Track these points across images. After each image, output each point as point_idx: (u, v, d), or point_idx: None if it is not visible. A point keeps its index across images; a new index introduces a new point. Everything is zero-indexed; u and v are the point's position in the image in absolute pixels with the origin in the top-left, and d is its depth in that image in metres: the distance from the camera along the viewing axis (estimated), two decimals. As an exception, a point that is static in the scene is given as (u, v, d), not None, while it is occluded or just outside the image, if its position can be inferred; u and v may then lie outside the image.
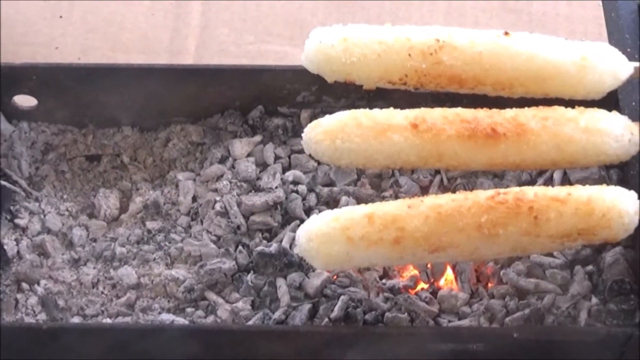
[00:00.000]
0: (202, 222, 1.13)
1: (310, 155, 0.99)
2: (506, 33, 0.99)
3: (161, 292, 1.09)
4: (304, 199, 1.14)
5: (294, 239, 1.05)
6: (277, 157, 1.18)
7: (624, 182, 1.09)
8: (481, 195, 0.95)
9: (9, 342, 1.01)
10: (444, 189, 1.14)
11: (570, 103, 0.99)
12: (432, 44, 0.98)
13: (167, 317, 1.06)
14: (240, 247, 1.11)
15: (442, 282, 1.09)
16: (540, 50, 0.98)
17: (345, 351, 1.01)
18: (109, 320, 1.07)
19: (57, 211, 1.16)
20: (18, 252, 1.12)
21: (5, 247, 1.11)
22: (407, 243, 0.95)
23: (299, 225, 1.00)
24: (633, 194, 0.95)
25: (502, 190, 0.95)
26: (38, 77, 1.17)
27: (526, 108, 0.99)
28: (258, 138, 1.20)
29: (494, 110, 0.99)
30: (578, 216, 0.94)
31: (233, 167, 1.17)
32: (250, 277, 1.08)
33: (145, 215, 1.15)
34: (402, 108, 0.98)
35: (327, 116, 0.98)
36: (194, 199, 1.16)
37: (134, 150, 1.21)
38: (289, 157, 1.18)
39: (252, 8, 1.46)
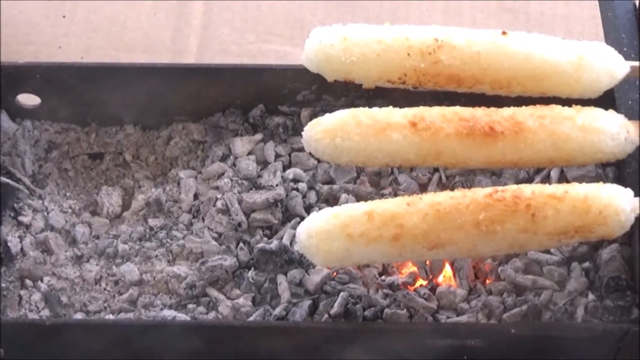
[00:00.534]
0: (203, 220, 1.14)
1: (310, 154, 0.99)
2: (504, 33, 0.99)
3: (163, 288, 1.10)
4: (304, 196, 1.14)
5: (294, 236, 1.05)
6: (277, 155, 1.18)
7: (620, 180, 1.10)
8: (479, 193, 0.95)
9: (13, 337, 1.01)
10: (442, 186, 1.15)
11: (568, 102, 0.99)
12: (430, 44, 0.98)
13: (169, 313, 1.06)
14: (241, 244, 1.11)
15: (440, 279, 1.09)
16: (538, 50, 0.98)
17: (344, 347, 1.02)
18: (111, 317, 1.08)
19: (60, 209, 1.16)
20: (22, 249, 1.12)
21: (9, 244, 1.12)
22: (406, 240, 0.95)
23: (299, 223, 1.00)
24: (629, 191, 0.95)
25: (500, 188, 0.95)
26: (41, 76, 1.17)
27: (524, 107, 0.99)
28: (259, 136, 1.20)
29: (492, 108, 0.99)
30: (575, 214, 0.94)
31: (234, 165, 1.17)
32: (251, 273, 1.09)
33: (147, 213, 1.16)
34: (401, 107, 0.99)
35: (327, 115, 0.99)
36: (196, 196, 1.16)
37: (136, 149, 1.21)
38: (290, 155, 1.19)
39: (253, 8, 1.46)
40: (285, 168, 1.17)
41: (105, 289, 1.11)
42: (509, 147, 0.97)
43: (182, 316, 1.06)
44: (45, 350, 1.03)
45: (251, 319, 1.05)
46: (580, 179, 1.10)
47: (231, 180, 1.16)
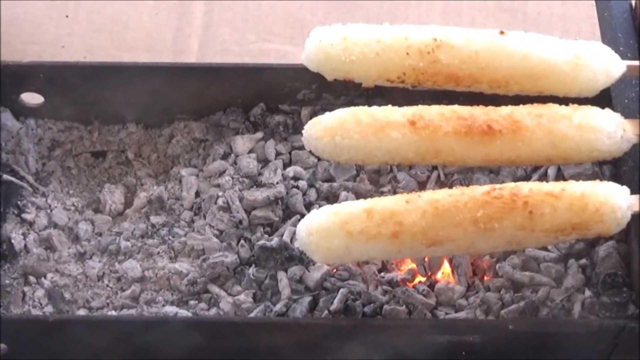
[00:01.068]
0: (204, 217, 1.14)
1: (310, 152, 0.99)
2: (502, 32, 1.00)
3: (165, 285, 1.10)
4: (304, 194, 1.15)
5: (294, 233, 1.06)
6: (278, 154, 1.19)
7: (616, 178, 1.10)
8: (477, 191, 0.96)
9: (16, 333, 1.02)
10: (441, 184, 1.15)
11: (564, 100, 1.00)
12: (429, 43, 0.98)
13: (170, 310, 1.07)
14: (242, 241, 1.11)
15: (439, 276, 1.10)
16: (535, 49, 0.99)
17: (344, 343, 1.02)
18: (114, 313, 1.08)
19: (63, 206, 1.17)
20: (25, 246, 1.13)
21: (12, 241, 1.12)
22: (405, 237, 0.95)
23: (299, 220, 1.01)
24: (625, 189, 0.96)
25: (497, 185, 0.96)
26: (45, 75, 1.17)
27: (521, 105, 0.99)
28: (259, 135, 1.20)
29: (490, 107, 0.99)
30: (572, 211, 0.95)
31: (235, 163, 1.18)
32: (252, 270, 1.09)
33: (149, 210, 1.16)
34: (400, 105, 0.99)
35: (327, 113, 0.99)
36: (197, 194, 1.17)
37: (138, 147, 1.22)
38: (290, 153, 1.19)
39: (253, 8, 1.47)
40: (285, 166, 1.18)
41: (107, 285, 1.11)
42: (506, 145, 0.98)
43: (183, 312, 1.07)
44: (48, 346, 1.04)
45: (252, 315, 1.06)
46: (577, 177, 1.10)
47: (232, 178, 1.16)
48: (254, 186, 1.16)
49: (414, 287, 1.08)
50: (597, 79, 0.99)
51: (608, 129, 0.98)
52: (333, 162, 1.14)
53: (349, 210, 0.97)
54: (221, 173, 1.17)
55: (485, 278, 1.09)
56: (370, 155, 0.98)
